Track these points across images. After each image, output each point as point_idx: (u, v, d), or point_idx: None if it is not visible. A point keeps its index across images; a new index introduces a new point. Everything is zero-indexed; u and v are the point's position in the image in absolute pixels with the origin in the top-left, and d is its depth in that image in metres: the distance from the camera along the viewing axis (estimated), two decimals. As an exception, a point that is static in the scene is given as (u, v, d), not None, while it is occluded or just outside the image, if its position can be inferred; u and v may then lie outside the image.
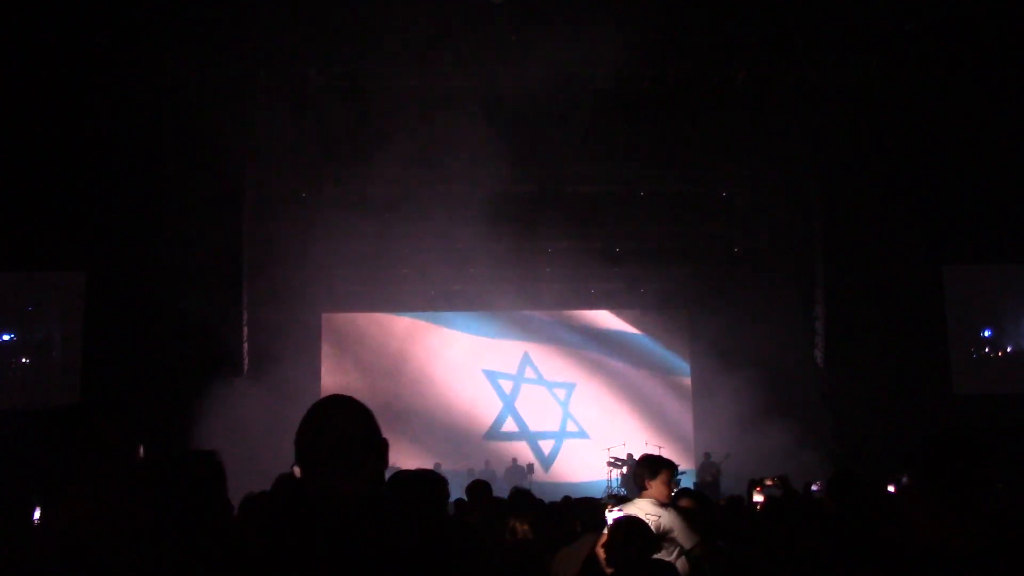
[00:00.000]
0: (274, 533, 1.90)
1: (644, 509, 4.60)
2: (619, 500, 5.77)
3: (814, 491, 8.21)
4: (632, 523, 4.12)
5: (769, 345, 14.64)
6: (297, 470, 1.89)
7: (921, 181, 13.17)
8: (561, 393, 17.39)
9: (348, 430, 1.87)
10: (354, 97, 12.34)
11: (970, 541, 1.71)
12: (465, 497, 5.75)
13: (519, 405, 17.20)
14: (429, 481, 2.96)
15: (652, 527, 4.40)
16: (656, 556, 4.27)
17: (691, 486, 13.96)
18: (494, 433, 16.98)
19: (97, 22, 11.24)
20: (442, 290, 16.28)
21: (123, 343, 12.40)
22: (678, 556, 4.59)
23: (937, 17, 11.42)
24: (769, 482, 6.09)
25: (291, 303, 14.86)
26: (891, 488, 8.42)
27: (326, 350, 16.66)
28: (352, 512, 1.78)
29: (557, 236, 15.13)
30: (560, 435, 17.23)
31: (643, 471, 4.82)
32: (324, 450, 1.84)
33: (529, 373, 17.36)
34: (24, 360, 13.63)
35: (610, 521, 4.48)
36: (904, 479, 8.47)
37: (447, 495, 3.10)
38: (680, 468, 16.51)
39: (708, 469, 14.83)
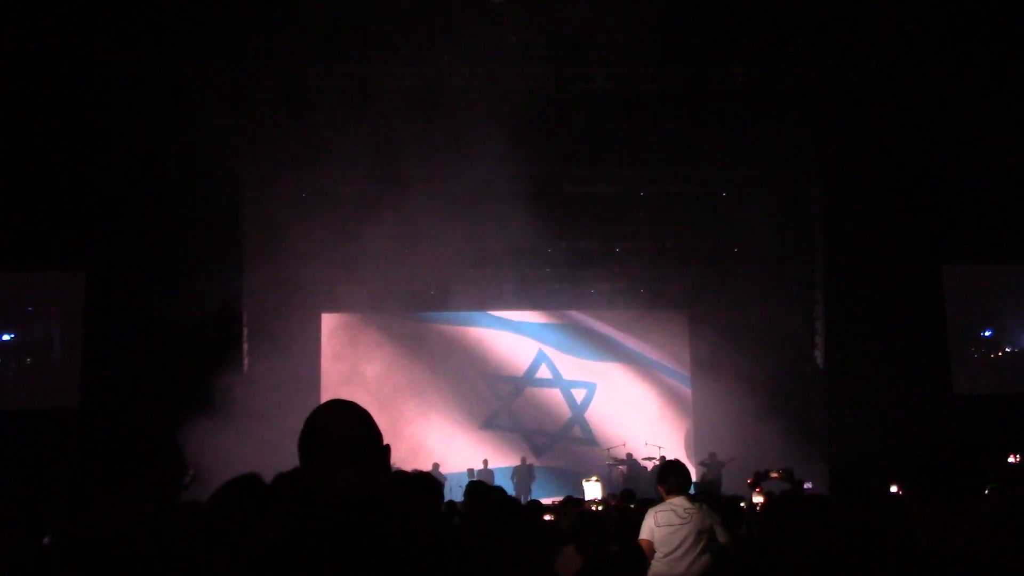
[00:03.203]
0: (277, 532, 1.93)
1: (682, 505, 5.16)
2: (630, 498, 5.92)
3: (807, 490, 8.22)
4: (593, 515, 4.41)
5: (769, 345, 14.64)
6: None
7: (921, 181, 13.17)
8: (562, 392, 17.39)
9: (348, 432, 1.90)
10: (354, 97, 12.34)
11: (967, 543, 1.76)
12: (464, 497, 5.75)
13: (517, 405, 17.20)
14: (422, 483, 2.99)
15: (691, 522, 5.06)
16: (687, 548, 5.01)
17: (691, 487, 14.05)
18: (491, 427, 16.97)
19: (97, 22, 11.25)
20: (441, 290, 16.28)
21: (123, 343, 12.40)
22: (703, 551, 4.93)
23: (937, 17, 11.42)
24: (774, 475, 6.17)
25: (291, 303, 14.86)
26: (893, 488, 8.43)
27: (326, 350, 16.66)
28: (350, 511, 1.79)
29: (557, 236, 15.13)
30: (557, 433, 17.24)
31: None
32: (325, 451, 1.87)
33: (532, 372, 17.37)
34: (24, 360, 13.63)
35: (587, 492, 4.93)
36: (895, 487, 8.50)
37: (441, 497, 3.14)
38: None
39: (712, 468, 14.85)
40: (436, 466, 14.73)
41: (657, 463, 13.82)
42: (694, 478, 15.16)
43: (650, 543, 5.12)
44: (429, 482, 3.03)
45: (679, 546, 5.05)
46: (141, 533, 1.83)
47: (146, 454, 1.92)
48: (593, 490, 5.52)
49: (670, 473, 5.34)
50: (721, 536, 5.16)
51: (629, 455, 15.97)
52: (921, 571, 1.82)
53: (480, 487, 5.56)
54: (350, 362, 16.65)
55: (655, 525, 5.13)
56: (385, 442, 1.97)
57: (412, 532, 1.83)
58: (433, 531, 2.88)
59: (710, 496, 7.04)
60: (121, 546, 1.79)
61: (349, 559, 1.72)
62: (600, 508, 7.86)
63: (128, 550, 1.79)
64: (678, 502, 5.20)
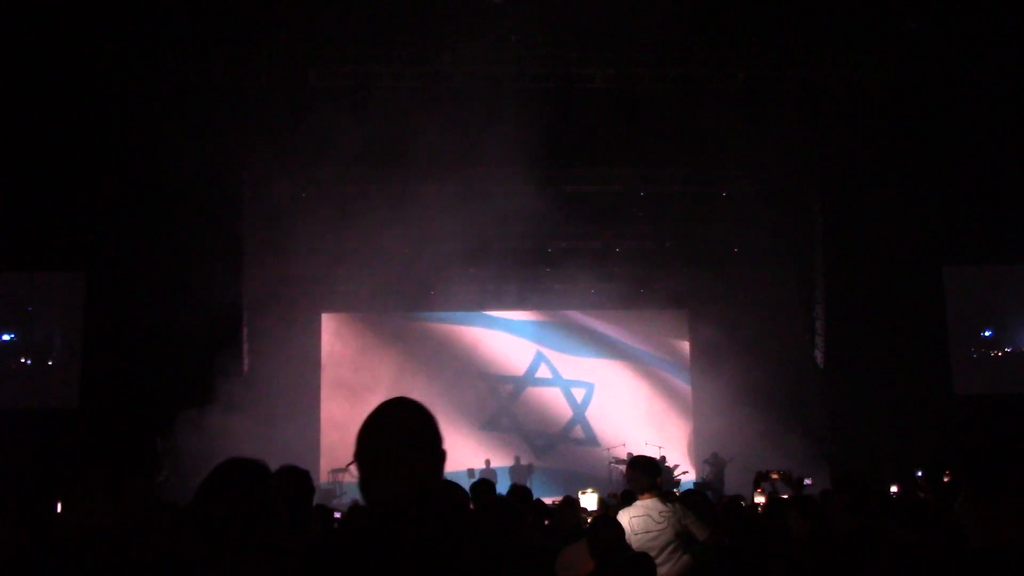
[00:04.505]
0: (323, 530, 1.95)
1: (657, 508, 4.96)
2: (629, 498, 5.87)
3: (807, 485, 8.26)
4: (607, 519, 4.33)
5: (769, 345, 14.63)
6: (353, 468, 1.91)
7: (921, 181, 13.16)
8: (562, 392, 17.39)
9: (407, 429, 1.92)
10: (355, 97, 12.33)
11: None
12: (471, 495, 5.75)
13: (518, 406, 17.18)
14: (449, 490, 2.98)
15: (668, 526, 4.88)
16: (669, 553, 4.84)
17: (691, 486, 14.05)
18: (491, 427, 16.95)
19: (97, 22, 11.24)
20: (442, 291, 16.28)
21: (123, 343, 12.39)
22: (684, 552, 4.83)
23: (937, 17, 11.42)
24: (775, 475, 6.15)
25: (291, 303, 14.85)
26: (894, 488, 8.43)
27: (326, 349, 16.66)
28: (398, 510, 1.79)
29: (557, 236, 15.12)
30: (558, 434, 17.22)
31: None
32: (377, 450, 1.88)
33: (532, 372, 17.36)
34: (24, 360, 13.62)
35: (583, 503, 4.78)
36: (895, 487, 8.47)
37: (467, 501, 3.13)
38: (681, 468, 16.44)
39: (714, 468, 14.85)
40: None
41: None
42: (696, 477, 15.25)
43: None
44: (455, 490, 3.01)
45: (660, 552, 4.86)
46: (126, 531, 1.84)
47: (128, 455, 1.93)
48: (589, 501, 5.47)
49: (640, 471, 5.08)
50: (700, 533, 4.95)
51: (630, 455, 15.91)
52: (983, 571, 1.83)
53: (485, 485, 5.57)
54: (350, 362, 16.66)
55: (632, 532, 4.86)
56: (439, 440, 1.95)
57: (446, 538, 1.82)
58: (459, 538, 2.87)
59: (702, 496, 6.99)
60: (110, 543, 1.79)
61: (380, 561, 1.72)
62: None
63: (117, 547, 1.79)
64: (652, 504, 4.97)
